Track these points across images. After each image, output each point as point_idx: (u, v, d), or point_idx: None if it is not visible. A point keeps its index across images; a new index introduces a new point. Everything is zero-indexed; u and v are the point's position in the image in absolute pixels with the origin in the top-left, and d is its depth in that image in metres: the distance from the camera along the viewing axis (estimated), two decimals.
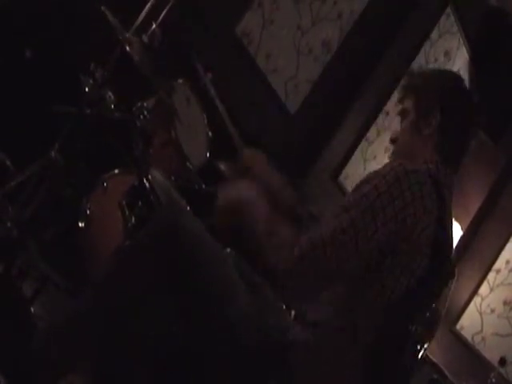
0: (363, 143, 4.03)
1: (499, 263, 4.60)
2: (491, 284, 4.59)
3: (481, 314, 4.57)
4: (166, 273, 1.43)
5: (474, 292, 4.61)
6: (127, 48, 2.06)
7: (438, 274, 1.55)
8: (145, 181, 1.80)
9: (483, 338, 4.50)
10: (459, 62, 4.50)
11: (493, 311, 4.53)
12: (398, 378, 1.56)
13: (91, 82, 2.06)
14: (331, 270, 1.41)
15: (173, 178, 2.24)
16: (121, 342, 1.47)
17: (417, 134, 1.67)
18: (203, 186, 2.37)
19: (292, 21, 3.44)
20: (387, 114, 4.06)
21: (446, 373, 3.97)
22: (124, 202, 1.78)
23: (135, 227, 1.76)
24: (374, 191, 1.44)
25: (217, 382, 1.43)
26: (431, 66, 4.16)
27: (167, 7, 2.31)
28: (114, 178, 2.18)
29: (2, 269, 1.85)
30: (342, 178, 4.04)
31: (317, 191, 3.86)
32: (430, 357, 3.99)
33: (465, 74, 4.54)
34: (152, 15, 2.30)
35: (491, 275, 4.61)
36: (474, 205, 4.80)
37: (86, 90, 2.06)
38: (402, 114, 1.72)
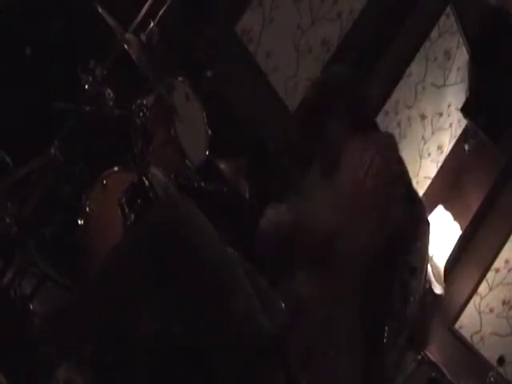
0: None
1: (498, 263, 4.60)
2: (490, 283, 4.60)
3: (480, 313, 4.57)
4: (166, 270, 1.43)
5: (473, 291, 4.62)
6: (126, 47, 2.07)
7: (411, 220, 1.57)
8: (144, 178, 1.80)
9: (482, 338, 4.50)
10: (459, 62, 4.50)
11: (492, 311, 4.53)
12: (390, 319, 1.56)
13: (91, 79, 2.06)
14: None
15: (172, 175, 2.23)
16: (120, 338, 1.47)
17: None
18: (202, 184, 2.37)
19: (292, 20, 3.44)
20: (387, 113, 4.06)
21: (445, 372, 3.97)
22: (123, 200, 1.78)
23: (134, 224, 1.76)
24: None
25: (218, 379, 1.43)
26: (430, 64, 4.16)
27: (165, 5, 2.32)
28: (114, 175, 2.18)
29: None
30: None
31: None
32: (429, 356, 3.99)
33: (465, 74, 4.54)
34: (150, 14, 2.30)
35: (490, 274, 4.61)
36: (474, 204, 4.80)
37: (86, 87, 2.06)
38: None
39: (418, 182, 4.41)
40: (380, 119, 4.03)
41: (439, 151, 4.64)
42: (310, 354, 1.43)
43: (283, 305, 1.59)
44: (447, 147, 4.76)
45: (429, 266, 1.68)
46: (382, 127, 4.18)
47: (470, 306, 4.61)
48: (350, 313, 1.47)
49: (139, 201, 1.76)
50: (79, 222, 2.10)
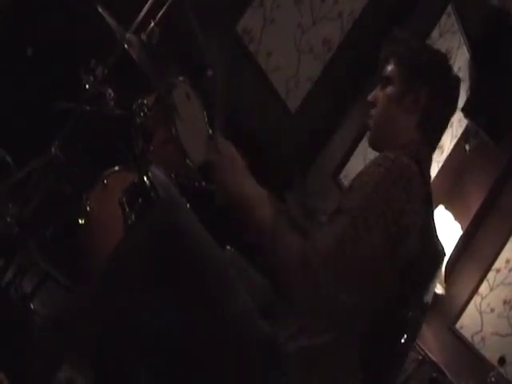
0: (364, 141, 4.03)
1: (499, 262, 4.60)
2: (491, 283, 4.59)
3: (480, 313, 4.57)
4: (164, 272, 1.43)
5: (474, 291, 4.62)
6: (126, 47, 2.07)
7: (429, 255, 1.53)
8: (145, 178, 1.79)
9: (483, 338, 4.50)
10: (460, 62, 4.50)
11: (492, 310, 4.53)
12: (395, 362, 1.55)
13: (91, 79, 2.06)
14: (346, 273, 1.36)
15: (173, 175, 2.23)
16: (120, 339, 1.47)
17: (399, 106, 1.64)
18: (203, 184, 2.37)
19: (293, 19, 3.44)
20: None
21: (446, 372, 3.97)
22: (124, 199, 1.77)
23: (135, 224, 1.76)
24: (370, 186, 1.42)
25: (217, 380, 1.42)
26: None
27: (166, 5, 2.32)
28: (114, 175, 2.19)
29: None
30: (342, 176, 4.04)
31: (317, 190, 3.87)
32: (430, 356, 4.00)
33: (465, 74, 4.54)
34: (151, 13, 2.30)
35: (491, 274, 4.60)
36: (475, 204, 4.80)
37: (87, 87, 2.06)
38: (385, 80, 1.68)
39: None
40: None
41: (440, 151, 4.63)
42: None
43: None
44: (448, 147, 4.76)
45: None
46: None
47: (471, 306, 4.61)
48: (353, 347, 1.44)
49: (140, 200, 1.76)
50: (80, 221, 2.11)
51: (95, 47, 2.26)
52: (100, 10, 2.01)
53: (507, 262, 4.58)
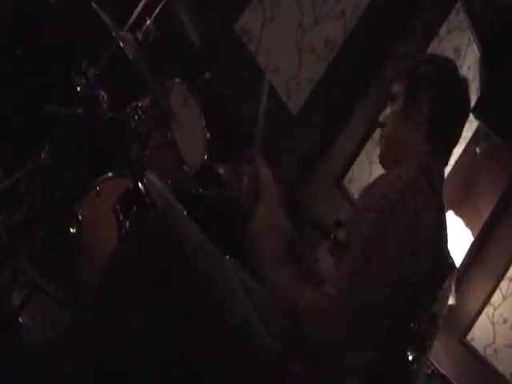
0: (369, 145, 4.03)
1: None
2: (504, 293, 4.59)
3: (493, 324, 4.56)
4: (161, 281, 1.43)
5: (486, 301, 4.61)
6: (121, 45, 2.07)
7: (439, 268, 1.54)
8: (140, 184, 1.80)
9: (495, 350, 4.49)
10: (469, 60, 4.50)
11: (505, 321, 4.52)
12: (404, 377, 1.56)
13: (83, 81, 2.07)
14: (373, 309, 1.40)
15: (169, 181, 2.24)
16: (117, 351, 1.47)
17: (406, 121, 1.68)
18: (201, 190, 2.37)
19: (294, 18, 3.45)
20: None
21: None
22: (118, 207, 1.78)
23: (129, 233, 1.76)
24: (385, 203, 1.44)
25: None
26: None
27: (162, 2, 2.32)
28: (108, 181, 2.18)
29: None
30: (346, 181, 4.04)
31: (320, 195, 3.86)
32: (440, 369, 3.98)
33: (475, 73, 4.55)
34: (147, 11, 2.30)
35: (504, 283, 4.60)
36: (486, 210, 4.80)
37: (78, 89, 2.06)
38: (391, 98, 1.72)
39: None
40: None
41: None
42: None
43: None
44: (457, 150, 4.76)
45: None
46: None
47: (483, 317, 4.60)
48: (360, 361, 1.45)
49: (135, 208, 1.76)
50: (71, 230, 2.10)
51: (87, 46, 2.26)
52: (94, 6, 2.01)
53: None
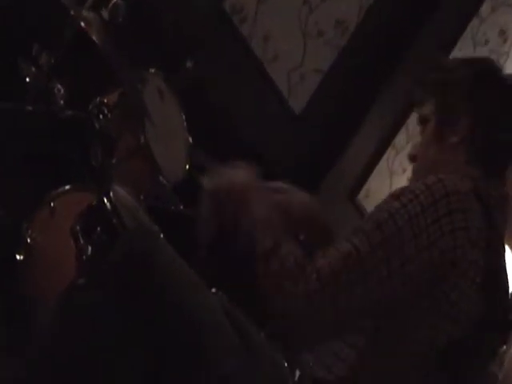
0: (389, 152, 4.04)
1: None
2: None
3: None
4: (126, 324, 1.42)
5: None
6: (82, 26, 2.06)
7: (492, 322, 1.55)
8: (105, 200, 1.78)
9: None
10: None
11: None
12: None
13: (34, 70, 2.06)
14: (354, 308, 1.44)
15: (142, 196, 2.22)
16: None
17: (442, 144, 1.68)
18: (181, 207, 2.37)
19: None
20: None
21: None
22: (77, 228, 1.76)
23: (92, 261, 1.75)
24: (403, 213, 1.46)
25: None
26: (479, 49, 4.16)
27: None
28: (65, 196, 2.17)
29: None
30: (361, 196, 4.05)
31: (328, 212, 3.85)
32: None
33: None
34: None
35: None
36: None
37: (28, 80, 2.05)
38: (422, 122, 1.73)
39: None
40: (411, 122, 4.04)
41: None
42: None
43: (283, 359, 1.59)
44: None
45: None
46: (415, 132, 4.21)
47: None
48: None
49: (99, 229, 1.75)
50: (18, 257, 2.09)
51: (40, 27, 2.25)
52: None
53: None
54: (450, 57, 3.93)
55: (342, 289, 1.42)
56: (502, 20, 4.31)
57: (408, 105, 3.97)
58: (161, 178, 2.31)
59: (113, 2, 2.27)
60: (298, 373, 1.66)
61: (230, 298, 1.74)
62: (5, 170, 2.09)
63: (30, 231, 2.11)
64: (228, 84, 3.20)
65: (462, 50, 4.09)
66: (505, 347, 1.64)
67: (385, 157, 4.05)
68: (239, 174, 1.65)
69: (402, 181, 4.00)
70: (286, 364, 1.62)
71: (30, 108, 2.08)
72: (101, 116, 2.13)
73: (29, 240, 2.10)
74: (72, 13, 2.06)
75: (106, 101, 2.18)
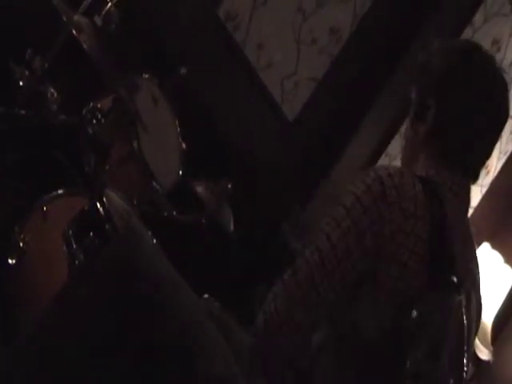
0: (383, 159, 4.04)
1: None
2: None
3: None
4: (117, 328, 1.43)
5: None
6: (74, 33, 2.08)
7: (444, 294, 1.54)
8: (98, 205, 1.79)
9: None
10: None
11: None
12: None
13: (27, 74, 2.07)
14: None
15: (135, 201, 2.23)
16: None
17: (413, 131, 1.69)
18: (174, 213, 2.37)
19: (291, 1, 3.47)
20: None
21: None
22: (70, 233, 1.77)
23: (84, 266, 1.76)
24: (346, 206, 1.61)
25: None
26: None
27: None
28: (57, 200, 2.18)
29: None
30: None
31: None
32: None
33: None
34: None
35: None
36: None
37: (21, 84, 2.06)
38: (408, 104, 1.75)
39: None
40: None
41: (484, 172, 4.65)
42: None
43: None
44: (494, 167, 4.78)
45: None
46: None
47: None
48: None
49: (91, 234, 1.76)
50: (10, 261, 2.09)
51: (33, 32, 2.26)
52: None
53: None
54: None
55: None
56: (494, 30, 4.33)
57: (402, 112, 3.99)
58: (154, 183, 2.31)
59: (106, 8, 2.30)
60: None
61: (221, 303, 1.76)
62: None
63: (22, 235, 2.12)
64: (221, 91, 3.21)
65: None
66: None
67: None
68: None
69: None
70: None
71: (22, 112, 2.09)
72: (94, 121, 2.14)
73: (21, 244, 2.10)
74: (64, 18, 2.07)
75: (99, 106, 2.19)
